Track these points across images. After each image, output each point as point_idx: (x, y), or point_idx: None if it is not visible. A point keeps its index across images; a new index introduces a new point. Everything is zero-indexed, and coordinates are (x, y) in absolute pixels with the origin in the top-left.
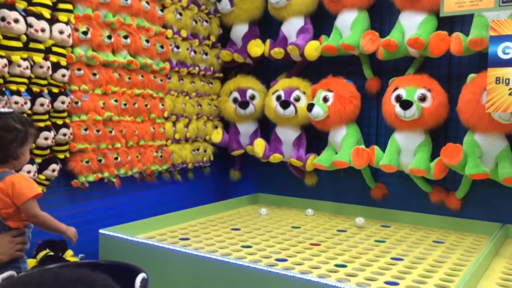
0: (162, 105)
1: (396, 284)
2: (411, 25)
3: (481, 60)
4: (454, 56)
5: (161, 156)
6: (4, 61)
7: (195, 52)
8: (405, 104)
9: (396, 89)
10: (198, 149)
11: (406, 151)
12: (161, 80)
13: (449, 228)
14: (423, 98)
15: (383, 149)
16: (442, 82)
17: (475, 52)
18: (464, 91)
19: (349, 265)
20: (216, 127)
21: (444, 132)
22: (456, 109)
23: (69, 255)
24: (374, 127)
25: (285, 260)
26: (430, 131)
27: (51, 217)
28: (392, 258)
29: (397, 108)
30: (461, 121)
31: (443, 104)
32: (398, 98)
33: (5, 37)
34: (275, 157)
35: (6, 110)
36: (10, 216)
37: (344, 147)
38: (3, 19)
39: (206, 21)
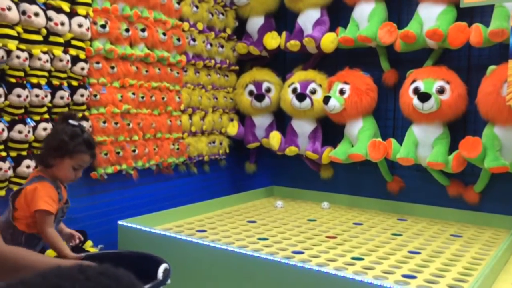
0: (179, 98)
1: (413, 277)
2: (430, 16)
3: (501, 52)
4: (474, 48)
5: (177, 149)
6: (25, 54)
7: (211, 45)
8: (424, 97)
9: (414, 81)
10: (214, 142)
11: (424, 144)
12: (178, 73)
13: (467, 222)
14: (441, 91)
15: (400, 142)
16: (461, 74)
17: (495, 43)
18: (484, 83)
19: (366, 258)
20: (232, 120)
21: (463, 124)
22: (475, 101)
23: (88, 245)
24: (391, 120)
25: (301, 252)
26: (448, 123)
27: (59, 238)
28: (409, 252)
29: (415, 101)
30: (481, 113)
31: (462, 96)
32: (416, 91)
33: (26, 31)
34: (291, 150)
35: (74, 122)
36: (21, 217)
37: (361, 140)
38: (24, 12)
39: (222, 14)
